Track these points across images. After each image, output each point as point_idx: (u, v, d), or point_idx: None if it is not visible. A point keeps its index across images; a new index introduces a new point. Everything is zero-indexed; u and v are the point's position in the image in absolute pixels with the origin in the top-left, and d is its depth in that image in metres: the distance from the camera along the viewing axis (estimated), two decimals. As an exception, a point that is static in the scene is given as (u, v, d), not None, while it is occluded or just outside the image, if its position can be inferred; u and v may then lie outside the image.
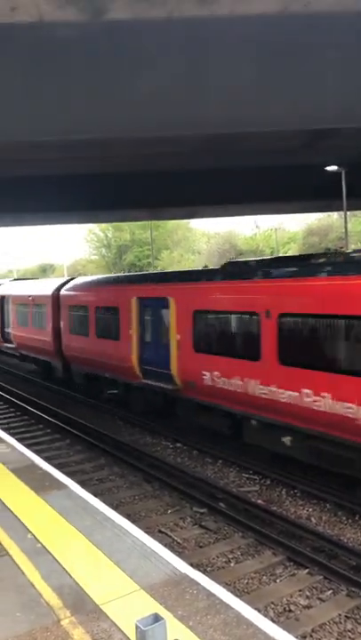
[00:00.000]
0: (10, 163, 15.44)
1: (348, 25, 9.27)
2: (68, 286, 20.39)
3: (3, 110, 9.17)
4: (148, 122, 9.53)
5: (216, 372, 12.35)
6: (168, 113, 9.46)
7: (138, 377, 15.33)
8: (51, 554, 6.39)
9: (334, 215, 55.45)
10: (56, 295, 20.45)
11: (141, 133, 9.87)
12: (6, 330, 26.01)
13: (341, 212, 35.35)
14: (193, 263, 66.17)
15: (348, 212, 31.55)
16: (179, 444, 13.62)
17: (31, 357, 23.62)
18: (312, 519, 9.41)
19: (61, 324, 19.92)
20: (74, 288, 19.92)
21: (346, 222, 33.17)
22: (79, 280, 21.12)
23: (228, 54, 9.27)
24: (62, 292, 20.22)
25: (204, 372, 12.68)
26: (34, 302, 22.30)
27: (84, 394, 18.89)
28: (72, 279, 21.42)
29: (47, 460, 10.74)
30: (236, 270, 12.90)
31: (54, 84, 9.20)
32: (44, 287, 22.26)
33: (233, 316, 12.32)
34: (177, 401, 14.33)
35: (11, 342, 25.42)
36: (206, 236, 75.23)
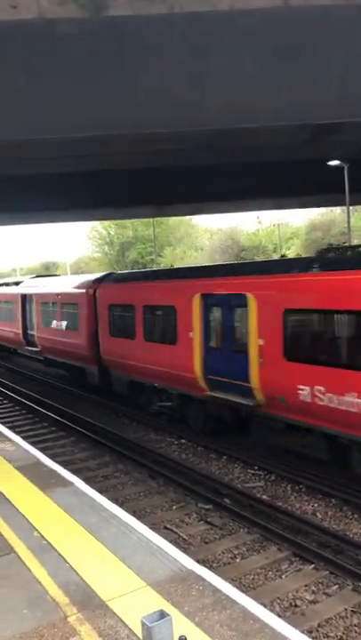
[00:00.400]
0: (11, 161, 15.42)
1: (351, 19, 9.23)
2: (106, 283, 18.06)
3: (3, 108, 9.17)
4: (149, 119, 9.51)
5: (320, 387, 9.89)
6: (169, 109, 9.44)
7: (202, 389, 12.90)
8: (57, 551, 6.42)
9: (337, 210, 55.39)
10: (92, 293, 18.19)
11: (143, 130, 9.85)
12: (29, 332, 23.63)
13: (344, 207, 35.30)
14: (195, 260, 66.17)
15: (350, 207, 31.49)
16: (183, 441, 13.63)
17: (59, 362, 21.23)
18: (318, 514, 9.41)
19: (100, 325, 17.63)
20: (114, 284, 17.57)
21: (349, 217, 33.13)
22: (120, 275, 18.89)
23: (229, 50, 9.24)
24: (100, 289, 17.87)
25: (300, 387, 10.22)
26: (63, 301, 20.23)
27: (126, 404, 17.08)
28: (109, 275, 19.38)
29: (52, 457, 10.76)
30: (342, 258, 10.78)
31: (55, 81, 9.19)
32: (75, 284, 20.12)
33: (349, 317, 9.70)
34: (253, 418, 12.16)
35: (34, 345, 23.19)
36: (209, 233, 75.22)
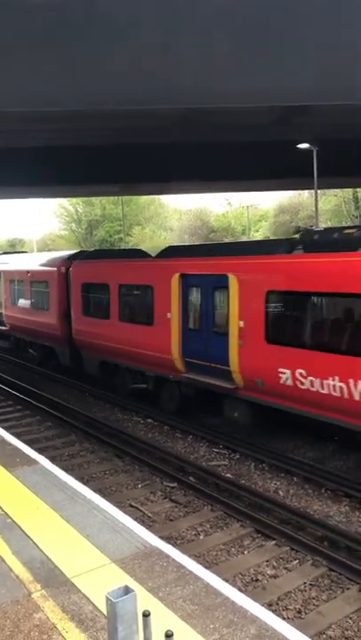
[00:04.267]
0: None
1: (324, 2, 9.21)
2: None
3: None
4: (118, 95, 9.35)
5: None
6: (139, 86, 9.30)
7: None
8: (21, 529, 6.42)
9: (305, 194, 55.76)
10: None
11: (111, 106, 9.70)
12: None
13: (312, 191, 35.56)
14: (165, 240, 65.88)
15: (318, 191, 31.72)
16: (150, 420, 13.70)
17: None
18: (280, 492, 9.62)
19: None
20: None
21: (316, 201, 33.38)
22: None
23: (201, 27, 9.13)
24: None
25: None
26: None
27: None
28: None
29: (17, 436, 10.70)
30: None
31: (22, 53, 8.93)
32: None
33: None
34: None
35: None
36: (178, 213, 74.88)
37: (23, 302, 20.86)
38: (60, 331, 17.85)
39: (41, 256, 23.38)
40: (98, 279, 16.16)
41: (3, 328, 22.77)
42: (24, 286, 20.85)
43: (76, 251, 21.59)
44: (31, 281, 20.08)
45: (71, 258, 18.41)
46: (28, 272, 20.57)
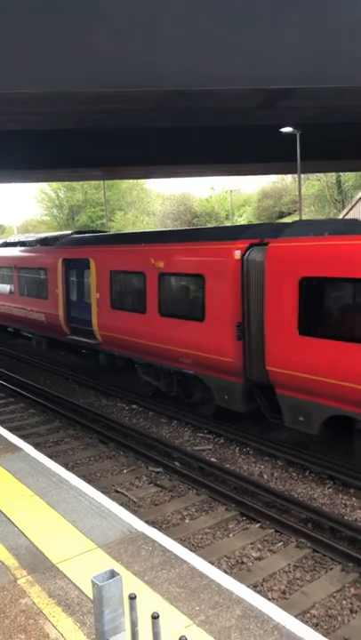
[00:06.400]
0: None
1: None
2: None
3: None
4: (102, 77, 9.22)
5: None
6: (123, 68, 9.18)
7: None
8: (6, 515, 6.40)
9: (288, 178, 55.80)
10: None
11: (95, 88, 9.56)
12: None
13: (295, 176, 35.56)
14: (147, 225, 65.60)
15: (301, 175, 31.70)
16: (134, 406, 13.70)
17: None
18: (264, 475, 9.70)
19: None
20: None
21: (300, 185, 33.36)
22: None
23: (185, 8, 9.01)
24: None
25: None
26: None
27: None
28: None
29: (1, 423, 10.64)
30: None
31: (8, 33, 8.74)
32: None
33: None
34: None
35: None
36: (161, 198, 74.50)
37: (139, 306, 13.33)
38: (233, 356, 10.79)
39: (165, 234, 14.32)
40: (352, 272, 8.55)
41: (89, 342, 15.54)
42: (142, 281, 13.16)
43: (249, 222, 13.59)
44: (161, 273, 12.50)
45: (251, 234, 10.91)
46: (153, 257, 12.66)
